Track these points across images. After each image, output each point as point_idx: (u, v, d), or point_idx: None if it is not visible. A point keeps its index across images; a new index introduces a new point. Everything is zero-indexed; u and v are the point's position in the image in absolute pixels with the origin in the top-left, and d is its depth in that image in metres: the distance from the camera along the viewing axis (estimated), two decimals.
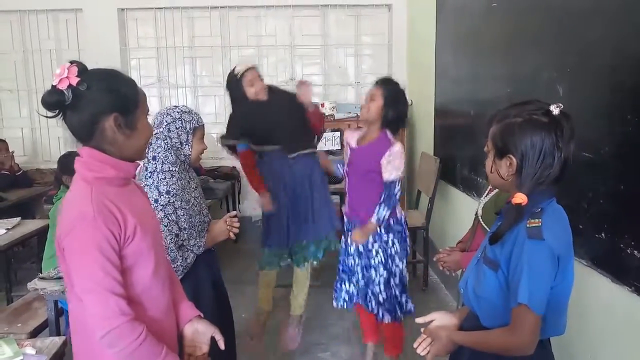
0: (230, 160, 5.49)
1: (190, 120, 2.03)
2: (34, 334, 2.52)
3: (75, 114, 1.27)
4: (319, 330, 3.37)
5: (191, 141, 2.03)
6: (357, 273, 2.77)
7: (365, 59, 5.53)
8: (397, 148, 2.60)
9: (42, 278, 2.34)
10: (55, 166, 3.18)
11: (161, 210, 1.91)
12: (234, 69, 2.99)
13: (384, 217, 2.62)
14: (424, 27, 4.55)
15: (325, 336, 3.31)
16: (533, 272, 1.25)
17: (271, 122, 2.98)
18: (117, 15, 5.30)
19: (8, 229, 3.34)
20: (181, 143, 2.01)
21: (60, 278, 2.27)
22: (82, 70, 1.26)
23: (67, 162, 2.82)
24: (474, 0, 3.32)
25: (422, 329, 1.54)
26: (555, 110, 1.28)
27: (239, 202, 5.42)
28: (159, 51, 5.46)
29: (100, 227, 1.22)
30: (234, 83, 2.97)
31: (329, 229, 3.13)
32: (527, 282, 1.25)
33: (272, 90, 3.12)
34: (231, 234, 2.12)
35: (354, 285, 2.80)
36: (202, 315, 1.56)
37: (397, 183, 2.63)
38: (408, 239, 2.81)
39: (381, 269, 2.70)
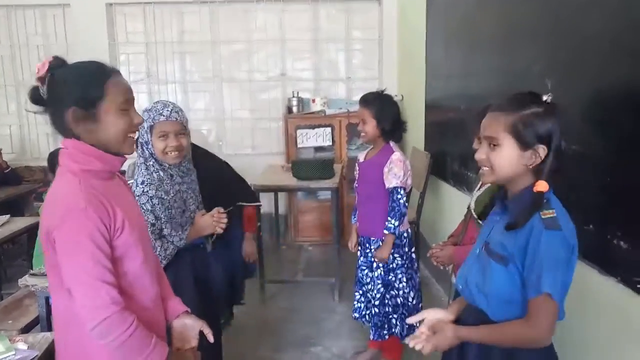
0: (221, 157, 5.49)
1: (147, 119, 2.02)
2: (25, 330, 2.52)
3: (48, 108, 1.30)
4: (310, 325, 3.39)
5: (151, 139, 2.02)
6: (364, 285, 2.85)
7: (356, 53, 5.52)
8: (396, 156, 2.68)
9: (33, 274, 2.33)
10: (44, 163, 3.17)
11: (137, 198, 1.96)
12: None
13: (394, 227, 2.65)
14: (414, 22, 4.56)
15: (316, 331, 3.33)
16: (555, 262, 1.26)
17: None
18: (105, 10, 5.25)
19: None
20: (145, 142, 2.04)
21: None
22: (56, 65, 1.29)
23: (55, 159, 2.81)
24: None
25: (417, 323, 1.54)
26: (549, 99, 1.31)
27: None
28: (148, 46, 5.42)
29: (92, 216, 1.22)
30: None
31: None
32: (550, 272, 1.26)
33: None
34: (218, 228, 2.13)
35: (365, 297, 2.86)
36: (189, 310, 1.57)
37: (401, 191, 2.67)
38: (414, 255, 2.82)
39: (379, 283, 2.74)
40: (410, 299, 2.75)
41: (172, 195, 2.04)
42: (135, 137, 1.39)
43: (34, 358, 1.64)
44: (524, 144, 1.33)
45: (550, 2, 2.20)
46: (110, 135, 1.32)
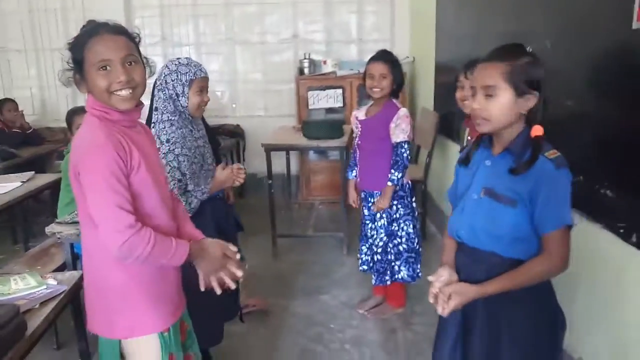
0: (234, 118, 5.62)
1: (187, 73, 2.07)
2: None
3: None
4: (320, 276, 3.56)
5: (187, 93, 2.07)
6: (369, 238, 2.97)
7: (367, 15, 5.53)
8: (403, 112, 2.78)
9: (59, 222, 2.49)
10: (64, 124, 3.31)
11: (163, 157, 2.01)
12: None
13: (398, 179, 2.77)
14: None
15: (325, 281, 3.50)
16: (568, 196, 1.41)
17: None
18: None
19: (23, 182, 3.50)
20: (177, 95, 2.06)
21: (75, 222, 2.43)
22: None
23: (73, 117, 2.95)
24: None
25: (433, 288, 1.52)
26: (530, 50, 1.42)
27: (244, 160, 5.56)
28: (162, 9, 5.50)
29: (110, 150, 1.35)
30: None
31: None
32: (566, 207, 1.40)
33: None
34: (236, 182, 2.25)
35: (370, 250, 2.98)
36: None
37: (405, 145, 2.77)
38: (414, 204, 2.94)
39: (382, 232, 2.88)
40: (415, 245, 2.90)
41: (193, 150, 2.11)
42: (123, 94, 1.41)
43: (62, 292, 1.81)
44: (520, 91, 1.41)
45: None
46: (96, 93, 1.42)
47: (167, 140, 2.04)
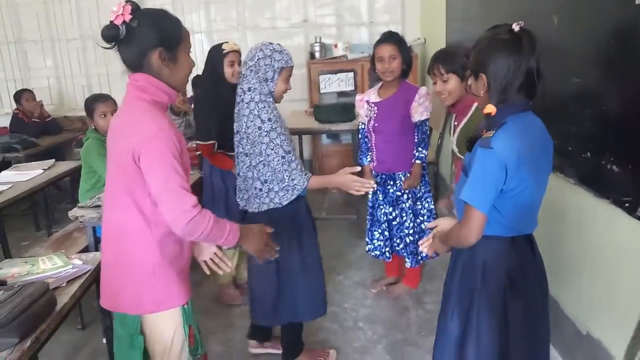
0: None
1: (280, 60, 2.08)
2: None
3: (128, 47, 1.47)
4: (334, 257, 3.63)
5: (276, 79, 2.09)
6: (386, 222, 2.98)
7: None
8: (425, 90, 2.81)
9: (81, 207, 2.59)
10: (81, 113, 3.39)
11: (266, 135, 2.04)
12: (220, 44, 2.89)
13: (425, 156, 2.81)
14: None
15: (339, 263, 3.58)
16: (478, 175, 1.47)
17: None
18: None
19: (45, 169, 3.61)
20: (266, 79, 2.09)
21: (96, 207, 2.52)
22: (135, 8, 1.45)
23: (91, 105, 3.02)
24: None
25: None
26: (516, 27, 1.46)
27: None
28: None
29: (172, 138, 1.45)
30: (218, 57, 2.84)
31: None
32: (470, 183, 1.48)
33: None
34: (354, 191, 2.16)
35: (383, 235, 3.01)
36: None
37: (427, 122, 2.82)
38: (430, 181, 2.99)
39: (410, 213, 2.90)
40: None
41: (288, 131, 2.15)
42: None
43: (88, 271, 1.91)
44: (474, 74, 1.55)
45: None
46: (183, 74, 1.56)
47: (269, 119, 2.06)
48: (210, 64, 2.89)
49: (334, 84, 5.06)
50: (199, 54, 5.54)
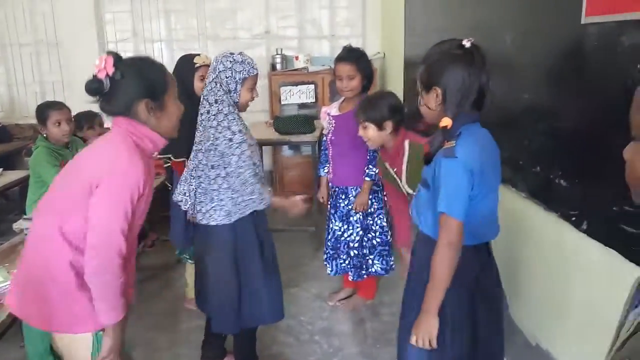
0: None
1: (241, 71, 2.06)
2: None
3: (112, 99, 1.45)
4: (291, 269, 3.59)
5: (239, 90, 2.08)
6: (334, 238, 3.00)
7: (339, 11, 5.57)
8: None
9: (27, 219, 2.49)
10: (33, 121, 3.27)
11: (237, 147, 2.04)
12: (191, 57, 2.82)
13: (375, 174, 2.81)
14: None
15: (297, 274, 3.55)
16: (449, 184, 1.48)
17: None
18: None
19: None
20: (229, 91, 2.07)
21: None
22: (117, 60, 1.44)
23: (42, 113, 2.92)
24: None
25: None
26: (467, 43, 1.49)
27: None
28: (133, 5, 5.45)
29: (138, 182, 1.42)
30: (189, 70, 2.74)
31: None
32: (444, 194, 1.48)
33: None
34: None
35: (330, 250, 3.04)
36: None
37: None
38: (386, 198, 2.97)
39: (358, 227, 2.92)
40: (388, 238, 2.95)
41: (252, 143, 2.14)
42: None
43: None
44: (425, 88, 1.56)
45: None
46: (173, 120, 1.55)
47: (240, 131, 2.06)
48: (179, 77, 2.82)
49: (294, 96, 5.05)
50: None
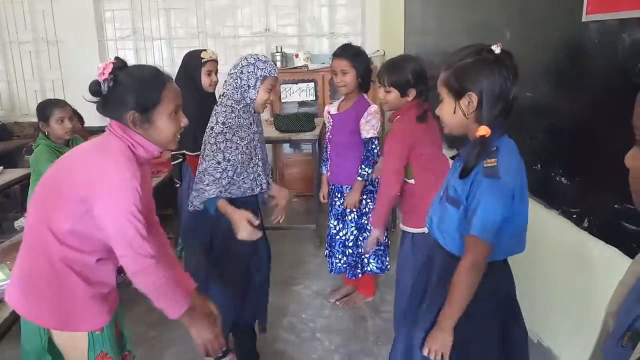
0: None
1: (263, 69, 2.09)
2: None
3: (106, 104, 1.48)
4: (293, 267, 3.61)
5: (258, 87, 2.09)
6: (329, 236, 3.02)
7: (339, 9, 5.57)
8: (374, 109, 2.82)
9: None
10: (33, 119, 3.27)
11: (213, 137, 2.06)
12: (198, 52, 2.86)
13: (367, 174, 2.81)
14: None
15: (298, 272, 3.56)
16: (488, 207, 1.40)
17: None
18: None
19: None
20: (248, 86, 2.08)
21: None
22: (119, 67, 1.45)
23: (44, 111, 2.91)
24: None
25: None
26: (497, 49, 1.40)
27: None
28: (133, 3, 5.45)
29: (132, 183, 1.42)
30: (196, 65, 2.79)
31: None
32: (480, 217, 1.40)
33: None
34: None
35: (333, 251, 3.04)
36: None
37: (375, 141, 2.82)
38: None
39: (352, 226, 2.94)
40: (384, 238, 2.95)
41: (246, 142, 2.12)
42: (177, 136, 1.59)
43: None
44: (455, 94, 1.44)
45: None
46: (162, 136, 1.53)
47: (223, 123, 2.07)
48: (186, 72, 2.84)
49: (294, 94, 5.06)
50: (157, 61, 5.47)
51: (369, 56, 2.91)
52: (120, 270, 1.55)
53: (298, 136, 4.03)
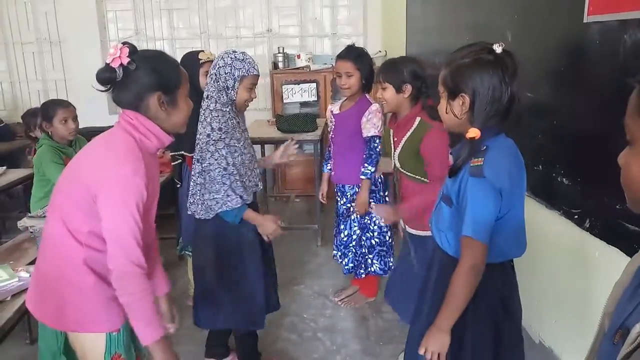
0: None
1: (240, 68, 2.06)
2: None
3: (124, 90, 1.42)
4: (295, 267, 3.62)
5: (237, 88, 2.07)
6: (337, 235, 3.04)
7: (341, 10, 5.59)
8: (375, 107, 2.82)
9: (32, 217, 2.50)
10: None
11: (212, 144, 2.04)
12: (196, 53, 2.84)
13: (371, 172, 2.81)
14: None
15: (300, 272, 3.57)
16: (475, 206, 1.39)
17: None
18: None
19: None
20: (227, 87, 2.07)
21: None
22: (133, 51, 1.41)
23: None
24: None
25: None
26: (498, 49, 1.38)
27: None
28: (135, 3, 5.47)
29: (139, 185, 1.39)
30: (194, 66, 2.74)
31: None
32: (470, 216, 1.40)
33: None
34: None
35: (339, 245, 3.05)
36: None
37: (377, 140, 2.82)
38: (387, 198, 3.00)
39: (355, 226, 2.95)
40: (387, 238, 2.96)
41: (242, 142, 2.13)
42: None
43: None
44: (451, 94, 1.45)
45: None
46: (182, 117, 1.52)
47: (220, 129, 2.05)
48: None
49: (296, 94, 5.06)
50: None
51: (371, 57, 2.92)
52: None
53: (300, 136, 4.03)
